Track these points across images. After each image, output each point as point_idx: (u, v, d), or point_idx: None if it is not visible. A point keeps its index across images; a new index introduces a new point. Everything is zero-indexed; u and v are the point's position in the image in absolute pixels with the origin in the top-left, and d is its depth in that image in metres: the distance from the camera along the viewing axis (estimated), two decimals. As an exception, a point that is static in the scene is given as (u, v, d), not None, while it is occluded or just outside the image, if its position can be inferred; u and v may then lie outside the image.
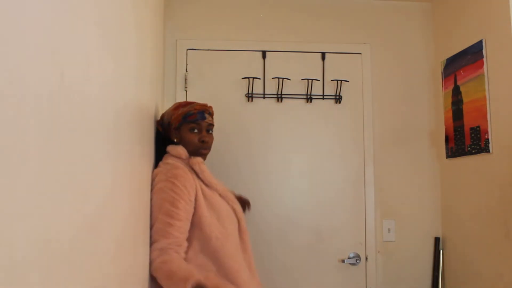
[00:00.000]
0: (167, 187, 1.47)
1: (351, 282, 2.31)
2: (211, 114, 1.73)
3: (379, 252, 2.35)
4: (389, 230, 2.37)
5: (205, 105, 1.71)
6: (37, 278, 0.51)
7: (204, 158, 1.68)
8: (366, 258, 2.33)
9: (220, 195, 1.62)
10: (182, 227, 1.44)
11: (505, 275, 1.83)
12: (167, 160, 1.61)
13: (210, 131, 1.70)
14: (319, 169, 2.36)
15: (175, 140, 1.66)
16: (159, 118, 1.80)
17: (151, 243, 1.41)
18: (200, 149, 1.65)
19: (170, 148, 1.64)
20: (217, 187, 1.62)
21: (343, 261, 2.30)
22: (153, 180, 1.53)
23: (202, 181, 1.59)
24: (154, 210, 1.45)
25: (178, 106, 1.70)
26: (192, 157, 1.62)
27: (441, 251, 2.35)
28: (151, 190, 1.50)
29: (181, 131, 1.65)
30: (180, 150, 1.62)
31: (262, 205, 2.25)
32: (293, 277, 2.28)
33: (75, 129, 0.65)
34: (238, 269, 1.52)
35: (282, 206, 2.32)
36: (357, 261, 2.30)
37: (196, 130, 1.65)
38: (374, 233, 2.35)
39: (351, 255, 2.32)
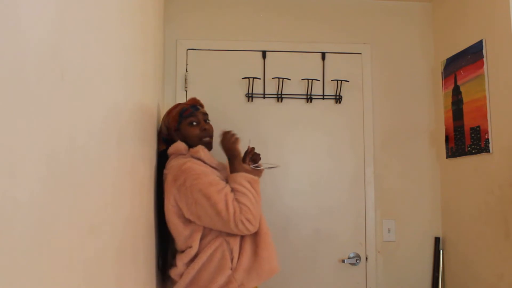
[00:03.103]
0: (194, 179, 1.52)
1: (351, 282, 2.31)
2: (202, 106, 1.83)
3: (379, 252, 2.35)
4: (389, 230, 2.37)
5: (194, 99, 1.82)
6: (35, 277, 0.51)
7: (210, 148, 1.73)
8: (366, 258, 2.33)
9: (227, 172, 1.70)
10: (228, 186, 1.56)
11: (505, 275, 1.84)
12: (170, 163, 1.64)
13: (208, 121, 1.78)
14: (319, 169, 2.37)
15: (178, 141, 1.72)
16: (160, 118, 1.81)
17: (232, 214, 1.48)
18: (202, 138, 1.71)
19: (170, 148, 1.67)
20: (222, 166, 1.70)
21: (343, 261, 2.30)
22: (169, 186, 1.57)
23: (209, 165, 1.64)
24: (204, 201, 1.50)
25: (170, 110, 1.78)
26: (191, 148, 1.67)
27: (441, 251, 2.35)
28: (176, 195, 1.55)
29: (181, 130, 1.72)
30: (179, 145, 1.68)
31: (261, 205, 2.24)
32: (293, 277, 2.28)
33: (75, 129, 0.65)
34: (266, 231, 1.60)
35: (282, 206, 2.32)
36: (357, 261, 2.30)
37: (195, 123, 1.72)
38: (374, 233, 2.35)
39: (351, 255, 2.32)
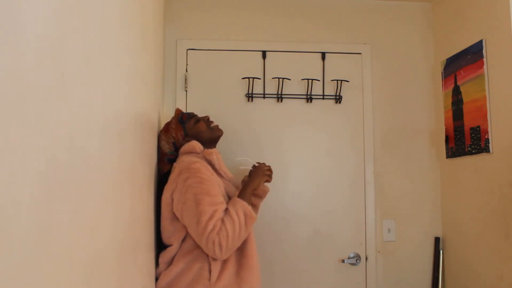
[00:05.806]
0: (195, 182, 1.52)
1: (351, 282, 2.31)
2: None
3: (379, 252, 2.35)
4: (389, 230, 2.37)
5: (178, 109, 1.85)
6: (35, 277, 0.51)
7: (221, 133, 1.77)
8: (366, 258, 2.33)
9: (233, 184, 1.71)
10: (223, 204, 1.54)
11: (505, 275, 1.83)
12: (181, 158, 1.65)
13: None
14: (319, 169, 2.36)
15: (193, 140, 1.74)
16: (160, 119, 1.81)
17: (209, 230, 1.45)
18: (210, 125, 1.75)
19: (184, 147, 1.69)
20: (230, 176, 1.70)
21: (343, 261, 2.30)
22: (172, 179, 1.58)
23: (217, 171, 1.64)
24: (192, 206, 1.49)
25: (166, 129, 1.77)
26: (205, 149, 1.68)
27: (441, 251, 2.35)
28: (175, 188, 1.55)
29: (190, 133, 1.74)
30: (194, 144, 1.68)
31: (261, 205, 2.24)
32: (293, 277, 2.28)
33: (75, 130, 0.64)
34: (253, 254, 1.60)
35: (282, 206, 2.32)
36: (357, 261, 2.30)
37: (197, 120, 1.76)
38: (374, 233, 2.35)
39: (351, 255, 2.32)
